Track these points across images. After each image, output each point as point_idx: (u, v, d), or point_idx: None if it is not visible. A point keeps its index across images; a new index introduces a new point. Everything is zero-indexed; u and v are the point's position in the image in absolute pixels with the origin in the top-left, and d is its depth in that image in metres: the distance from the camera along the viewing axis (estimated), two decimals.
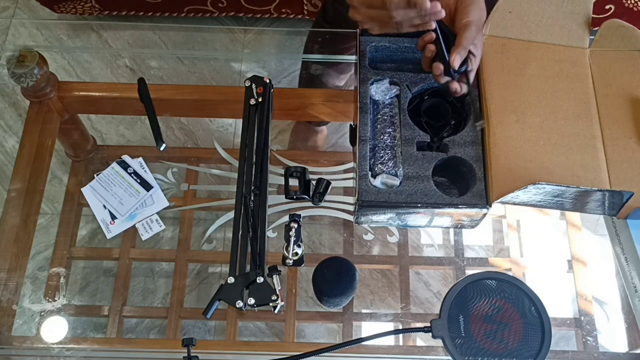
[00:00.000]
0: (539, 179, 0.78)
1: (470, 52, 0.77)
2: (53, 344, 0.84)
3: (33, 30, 1.83)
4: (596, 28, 0.90)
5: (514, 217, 1.06)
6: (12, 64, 0.93)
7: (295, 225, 0.83)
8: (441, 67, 0.77)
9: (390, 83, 0.88)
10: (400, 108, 0.86)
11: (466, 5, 0.76)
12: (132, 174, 0.94)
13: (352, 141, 0.90)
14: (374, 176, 0.82)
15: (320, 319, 1.02)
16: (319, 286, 0.80)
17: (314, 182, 0.89)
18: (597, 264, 0.99)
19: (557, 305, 0.89)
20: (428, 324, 0.75)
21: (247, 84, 0.92)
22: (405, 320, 0.93)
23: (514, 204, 0.83)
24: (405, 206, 0.81)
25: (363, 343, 0.77)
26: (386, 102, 0.87)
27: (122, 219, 0.92)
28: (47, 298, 0.91)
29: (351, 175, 0.95)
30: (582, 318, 0.93)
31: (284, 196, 0.89)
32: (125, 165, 0.95)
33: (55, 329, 0.86)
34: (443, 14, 0.73)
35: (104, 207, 0.93)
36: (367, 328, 0.99)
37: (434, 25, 0.75)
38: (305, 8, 1.65)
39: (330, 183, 0.89)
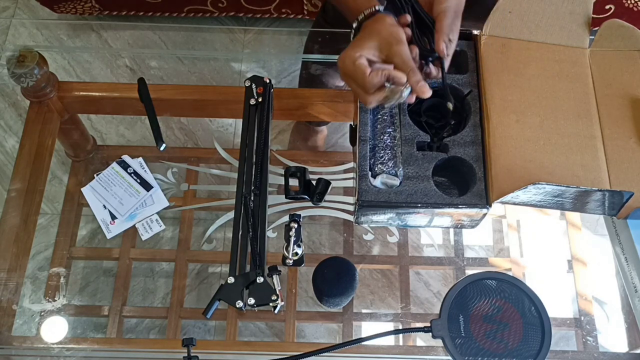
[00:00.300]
0: (539, 179, 0.78)
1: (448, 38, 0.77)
2: (53, 344, 0.84)
3: (33, 30, 1.83)
4: (596, 28, 0.90)
5: (514, 217, 1.06)
6: (12, 64, 0.93)
7: (295, 225, 0.83)
8: (416, 50, 0.77)
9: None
10: (400, 108, 0.86)
11: None
12: (132, 174, 0.94)
13: (352, 141, 0.90)
14: (374, 176, 0.82)
15: (320, 319, 1.02)
16: (319, 286, 0.80)
17: (314, 182, 0.89)
18: (597, 264, 0.99)
19: (557, 305, 0.89)
20: (428, 324, 0.75)
21: (247, 84, 0.92)
22: (405, 320, 0.93)
23: (514, 204, 0.83)
24: (405, 206, 0.81)
25: (363, 343, 0.77)
26: None
27: (122, 219, 0.92)
28: (47, 298, 0.91)
29: (351, 175, 0.95)
30: (582, 318, 0.93)
31: (284, 196, 0.89)
32: (125, 165, 0.95)
33: (55, 329, 0.86)
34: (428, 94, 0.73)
35: (104, 207, 0.93)
36: (367, 328, 0.99)
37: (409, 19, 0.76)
38: (305, 8, 1.65)
39: (330, 183, 0.89)
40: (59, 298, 0.91)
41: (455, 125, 0.87)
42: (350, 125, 0.91)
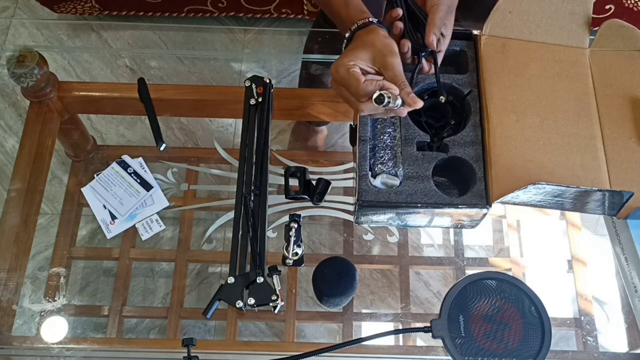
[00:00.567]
0: (539, 179, 0.78)
1: (440, 33, 0.78)
2: (53, 344, 0.84)
3: (33, 30, 1.83)
4: (596, 28, 0.90)
5: (514, 217, 1.06)
6: (12, 64, 0.93)
7: (295, 225, 0.83)
8: (408, 44, 0.77)
9: None
10: None
11: None
12: (132, 174, 0.94)
13: (352, 141, 0.90)
14: (374, 176, 0.82)
15: (320, 319, 1.02)
16: (319, 286, 0.80)
17: (314, 182, 0.89)
18: (597, 264, 0.99)
19: (557, 305, 0.89)
20: (428, 324, 0.75)
21: (247, 84, 0.92)
22: (405, 320, 0.93)
23: (514, 204, 0.83)
24: (405, 206, 0.81)
25: (363, 343, 0.77)
26: None
27: (122, 219, 0.92)
28: (47, 298, 0.91)
29: (351, 175, 0.95)
30: (582, 318, 0.93)
31: (284, 196, 0.89)
32: (125, 165, 0.95)
33: (55, 329, 0.86)
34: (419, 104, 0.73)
35: (104, 207, 0.93)
36: (367, 328, 0.99)
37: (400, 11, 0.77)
38: (305, 8, 1.65)
39: (330, 183, 0.89)
40: (59, 298, 0.91)
41: (455, 125, 0.87)
42: (350, 125, 0.91)
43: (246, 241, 0.83)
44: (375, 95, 0.70)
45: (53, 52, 1.47)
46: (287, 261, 0.86)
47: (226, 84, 1.72)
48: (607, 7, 1.54)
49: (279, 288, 0.79)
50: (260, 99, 0.91)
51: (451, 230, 1.02)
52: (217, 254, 1.05)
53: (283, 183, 0.88)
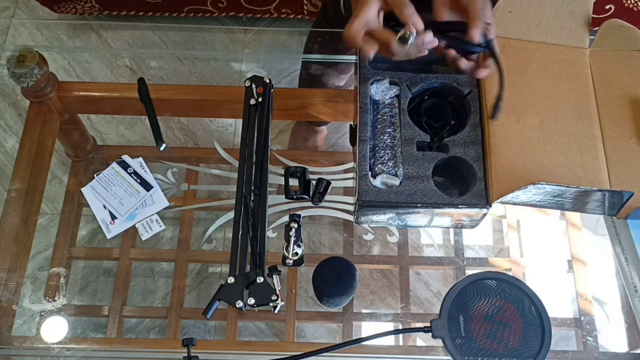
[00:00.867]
0: (539, 179, 0.78)
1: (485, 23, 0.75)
2: (53, 344, 0.84)
3: (33, 30, 1.83)
4: (596, 28, 0.90)
5: (514, 217, 1.06)
6: (12, 64, 0.93)
7: (295, 225, 0.83)
8: (465, 62, 0.76)
9: (390, 83, 0.88)
10: (400, 108, 0.86)
11: None
12: (132, 174, 0.94)
13: (352, 141, 0.90)
14: (374, 176, 0.82)
15: (320, 319, 1.02)
16: (319, 286, 0.80)
17: (314, 182, 0.89)
18: (597, 264, 0.99)
19: (557, 305, 0.89)
20: (428, 324, 0.75)
21: (247, 84, 0.92)
22: (405, 320, 0.93)
23: (514, 204, 0.83)
24: (405, 206, 0.81)
25: (363, 343, 0.77)
26: (386, 102, 0.87)
27: (122, 219, 0.92)
28: (47, 298, 0.91)
29: (351, 175, 0.95)
30: (582, 318, 0.93)
31: (284, 196, 0.89)
32: (125, 165, 0.95)
33: (55, 329, 0.86)
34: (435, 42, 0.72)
35: (104, 207, 0.93)
36: (367, 328, 0.99)
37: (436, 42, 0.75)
38: (305, 8, 1.65)
39: (330, 183, 0.89)
40: (59, 298, 0.91)
41: (455, 125, 0.87)
42: (350, 125, 0.91)
43: (246, 241, 0.83)
44: (399, 34, 0.70)
45: (53, 52, 1.47)
46: (287, 261, 0.86)
47: (226, 84, 1.72)
48: (607, 7, 1.55)
49: (279, 288, 0.79)
50: (260, 99, 0.91)
51: (451, 230, 1.02)
52: (217, 254, 1.05)
53: (283, 183, 0.88)
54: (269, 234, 0.90)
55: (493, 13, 0.78)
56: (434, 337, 0.75)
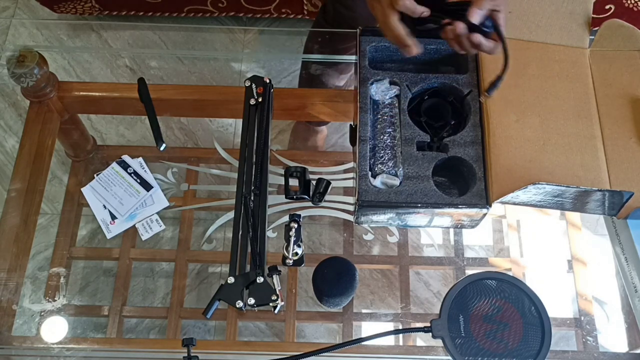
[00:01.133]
0: (539, 179, 0.78)
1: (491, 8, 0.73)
2: (53, 344, 0.84)
3: (33, 30, 1.83)
4: (596, 28, 0.90)
5: (514, 217, 1.06)
6: (12, 64, 0.93)
7: (295, 225, 0.83)
8: (461, 25, 0.73)
9: (390, 83, 0.88)
10: (400, 108, 0.86)
11: None
12: (132, 174, 0.94)
13: (352, 141, 0.90)
14: (374, 176, 0.82)
15: (320, 319, 1.02)
16: (319, 286, 0.80)
17: (314, 182, 0.89)
18: (597, 264, 0.99)
19: (557, 305, 0.89)
20: (428, 324, 0.75)
21: (247, 84, 0.92)
22: (405, 320, 0.93)
23: (514, 204, 0.83)
24: (405, 206, 0.81)
25: (363, 343, 0.77)
26: (386, 102, 0.87)
27: (122, 219, 0.92)
28: (47, 298, 0.91)
29: (351, 175, 0.95)
30: (582, 318, 0.93)
31: (284, 196, 0.89)
32: (125, 165, 0.95)
33: (55, 329, 0.86)
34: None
35: (104, 207, 0.93)
36: (367, 328, 0.99)
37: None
38: (305, 8, 1.65)
39: (330, 183, 0.89)
40: (59, 298, 0.91)
41: (455, 125, 0.87)
42: (350, 125, 0.91)
43: (246, 241, 0.83)
44: None
45: (53, 52, 1.47)
46: (287, 261, 0.86)
47: (226, 84, 1.72)
48: (607, 7, 1.55)
49: (279, 288, 0.79)
50: (260, 99, 0.91)
51: (451, 230, 1.02)
52: (217, 254, 1.05)
53: (283, 183, 0.88)
54: (269, 234, 0.90)
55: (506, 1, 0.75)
56: (434, 337, 0.75)
